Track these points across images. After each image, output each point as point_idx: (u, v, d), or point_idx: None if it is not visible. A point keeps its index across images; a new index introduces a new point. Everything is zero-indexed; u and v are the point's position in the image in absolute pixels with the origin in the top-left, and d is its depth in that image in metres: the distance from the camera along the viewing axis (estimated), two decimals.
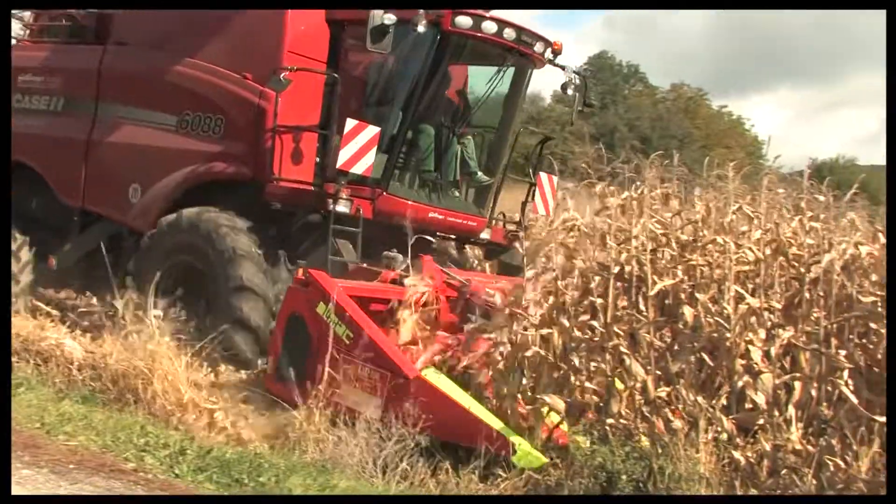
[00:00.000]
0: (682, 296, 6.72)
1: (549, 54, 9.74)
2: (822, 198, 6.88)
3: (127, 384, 7.53)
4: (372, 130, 8.81)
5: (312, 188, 9.22)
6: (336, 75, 9.34)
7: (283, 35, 9.36)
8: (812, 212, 6.90)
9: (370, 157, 8.83)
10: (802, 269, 6.49)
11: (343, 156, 8.72)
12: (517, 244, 10.33)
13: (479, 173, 9.97)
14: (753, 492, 5.81)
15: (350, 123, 8.77)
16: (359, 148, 8.75)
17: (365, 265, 8.49)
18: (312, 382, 7.10)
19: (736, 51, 79.22)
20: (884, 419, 5.65)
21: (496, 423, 6.49)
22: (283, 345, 7.58)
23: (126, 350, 7.77)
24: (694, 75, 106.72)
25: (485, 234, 10.37)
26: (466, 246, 10.51)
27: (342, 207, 8.77)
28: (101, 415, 7.07)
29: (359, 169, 8.82)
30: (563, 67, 10.04)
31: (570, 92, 10.10)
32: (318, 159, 9.51)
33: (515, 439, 6.32)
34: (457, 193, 10.06)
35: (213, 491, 5.96)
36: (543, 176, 10.66)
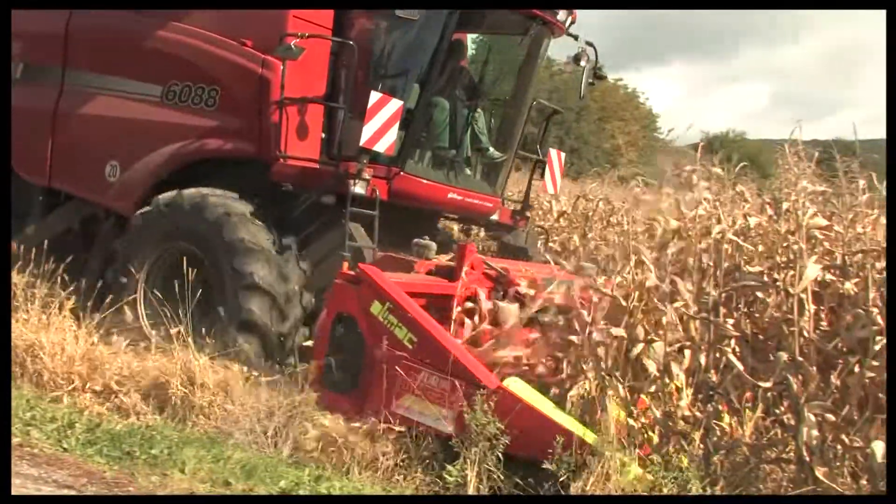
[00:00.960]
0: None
1: (568, 23, 9.15)
2: (716, 170, 7.04)
3: (14, 358, 7.21)
4: (395, 104, 7.97)
5: (329, 167, 8.34)
6: (352, 43, 8.33)
7: None
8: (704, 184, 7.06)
9: (392, 134, 8.00)
10: (694, 240, 6.66)
11: (367, 132, 7.86)
12: (522, 225, 9.93)
13: (492, 149, 9.31)
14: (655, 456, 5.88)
15: (374, 97, 7.89)
16: (382, 123, 7.92)
17: (399, 254, 7.74)
18: (368, 391, 6.42)
19: (631, 24, 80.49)
20: (768, 384, 5.83)
21: (594, 440, 5.78)
22: (331, 349, 6.76)
23: (16, 322, 7.37)
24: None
25: (494, 215, 9.71)
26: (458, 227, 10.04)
27: (358, 189, 8.02)
28: None
29: (381, 146, 7.99)
30: (576, 37, 9.44)
31: (582, 64, 9.43)
32: (324, 135, 8.61)
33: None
34: (468, 171, 9.33)
35: (103, 464, 5.83)
36: (552, 152, 10.12)
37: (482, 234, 11.02)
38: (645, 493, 5.54)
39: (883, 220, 6.02)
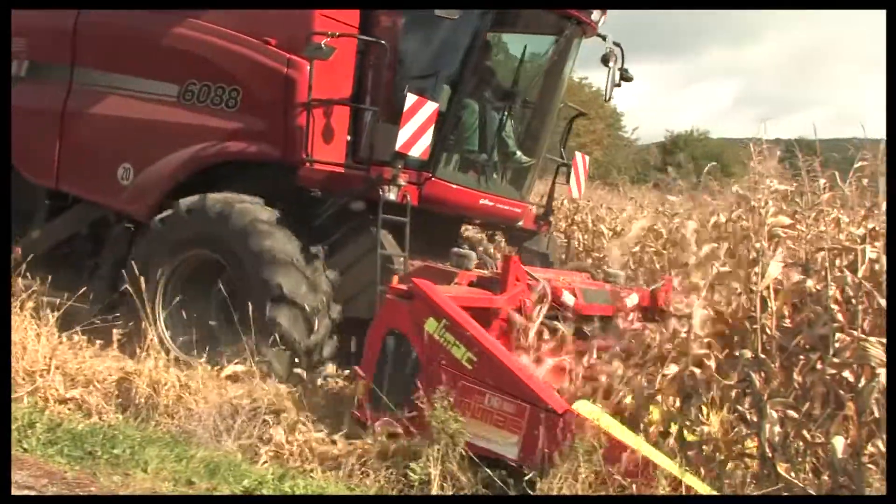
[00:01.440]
0: None
1: (601, 23, 8.92)
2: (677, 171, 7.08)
3: None
4: (431, 107, 7.68)
5: (358, 172, 8.01)
6: (384, 42, 8.06)
7: None
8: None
9: (428, 138, 7.71)
10: (665, 238, 6.69)
11: (402, 136, 7.56)
12: (545, 230, 9.71)
13: (519, 153, 9.00)
14: None
15: (411, 99, 7.61)
16: (418, 127, 7.64)
17: (430, 262, 7.45)
18: (423, 413, 5.93)
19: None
20: (731, 381, 5.90)
21: (673, 468, 5.45)
22: (380, 367, 6.33)
23: None
24: None
25: (520, 221, 9.39)
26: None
27: (391, 194, 7.71)
28: None
29: (417, 151, 7.69)
30: (604, 38, 9.13)
31: (610, 65, 9.13)
32: (349, 138, 8.32)
33: (694, 483, 5.38)
34: (495, 176, 9.01)
35: (64, 465, 5.77)
36: (578, 156, 9.90)
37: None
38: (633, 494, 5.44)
39: (845, 217, 6.09)
